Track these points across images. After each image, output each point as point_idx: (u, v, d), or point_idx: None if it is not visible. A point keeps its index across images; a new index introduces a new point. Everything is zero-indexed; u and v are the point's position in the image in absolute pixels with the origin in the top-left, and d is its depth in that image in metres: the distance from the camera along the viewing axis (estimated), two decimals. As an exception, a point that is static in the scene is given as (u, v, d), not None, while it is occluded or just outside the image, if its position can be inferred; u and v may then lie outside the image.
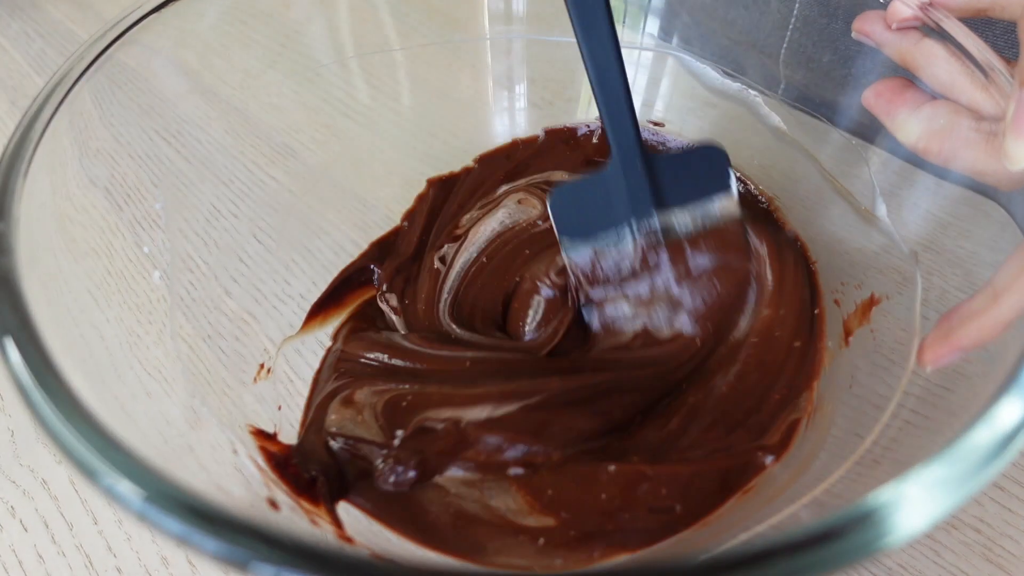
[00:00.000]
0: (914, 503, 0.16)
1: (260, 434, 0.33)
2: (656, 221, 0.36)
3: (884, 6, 0.32)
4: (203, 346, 0.35)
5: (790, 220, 0.42)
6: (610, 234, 0.37)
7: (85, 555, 0.34)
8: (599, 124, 0.47)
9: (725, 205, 0.37)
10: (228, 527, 0.16)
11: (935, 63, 0.30)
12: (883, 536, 0.16)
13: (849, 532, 0.15)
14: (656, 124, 0.47)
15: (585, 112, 0.49)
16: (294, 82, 0.43)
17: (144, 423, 0.26)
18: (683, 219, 0.37)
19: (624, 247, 0.37)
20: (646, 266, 0.37)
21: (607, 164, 0.36)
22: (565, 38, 0.47)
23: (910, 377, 0.29)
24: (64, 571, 0.33)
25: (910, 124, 0.31)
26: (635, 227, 0.37)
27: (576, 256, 0.37)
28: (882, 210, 0.36)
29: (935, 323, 0.29)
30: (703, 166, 0.36)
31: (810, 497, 0.27)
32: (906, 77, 0.32)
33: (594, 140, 0.48)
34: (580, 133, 0.49)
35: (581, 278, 0.38)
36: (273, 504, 0.28)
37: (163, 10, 0.34)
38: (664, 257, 0.37)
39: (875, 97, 0.32)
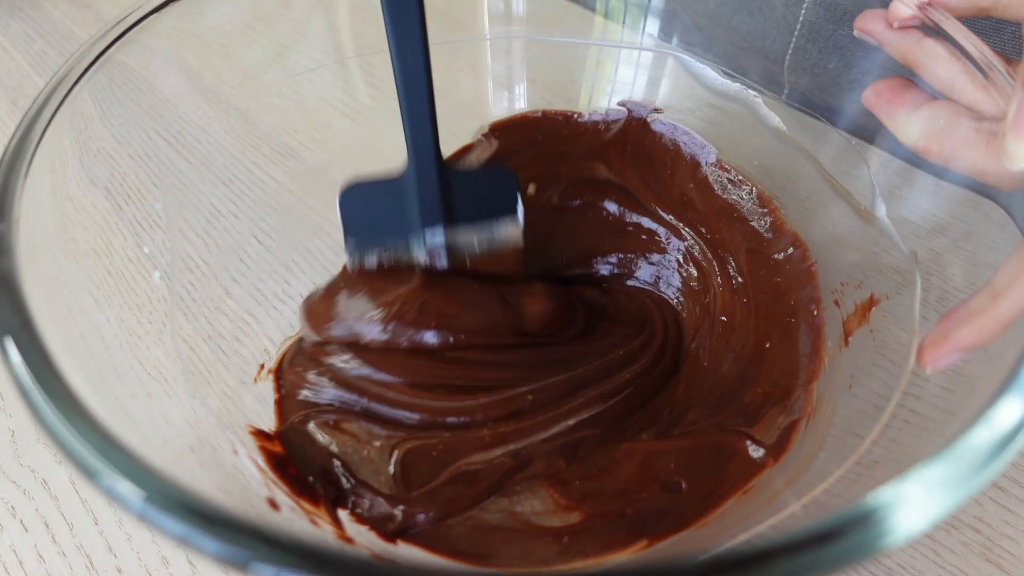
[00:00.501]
0: (914, 503, 0.16)
1: (260, 434, 0.33)
2: (442, 235, 0.36)
3: (887, 6, 0.32)
4: (203, 346, 0.35)
5: (790, 220, 0.42)
6: (397, 243, 0.36)
7: (85, 555, 0.34)
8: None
9: (510, 231, 0.37)
10: (228, 527, 0.16)
11: (936, 63, 0.30)
12: (883, 536, 0.16)
13: (849, 532, 0.15)
14: (657, 110, 0.47)
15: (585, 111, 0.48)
16: (294, 82, 0.43)
17: (144, 423, 0.26)
18: (468, 238, 0.37)
19: (407, 256, 0.37)
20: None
21: (403, 169, 0.35)
22: (565, 38, 0.48)
23: (910, 377, 0.29)
24: (64, 571, 0.33)
25: (910, 124, 0.31)
26: (422, 242, 0.36)
27: (357, 259, 0.37)
28: (882, 210, 0.36)
29: (935, 323, 0.29)
30: (495, 187, 0.37)
31: (810, 497, 0.27)
32: (906, 77, 0.32)
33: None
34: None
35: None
36: (273, 504, 0.28)
37: (163, 10, 0.34)
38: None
39: (875, 96, 0.32)
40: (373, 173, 0.36)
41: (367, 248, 0.37)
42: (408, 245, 0.36)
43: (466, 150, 0.46)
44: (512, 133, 0.46)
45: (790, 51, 0.43)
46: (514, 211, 0.37)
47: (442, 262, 0.37)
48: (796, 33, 0.43)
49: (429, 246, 0.36)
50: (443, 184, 0.35)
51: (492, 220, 0.37)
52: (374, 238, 0.36)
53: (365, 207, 0.36)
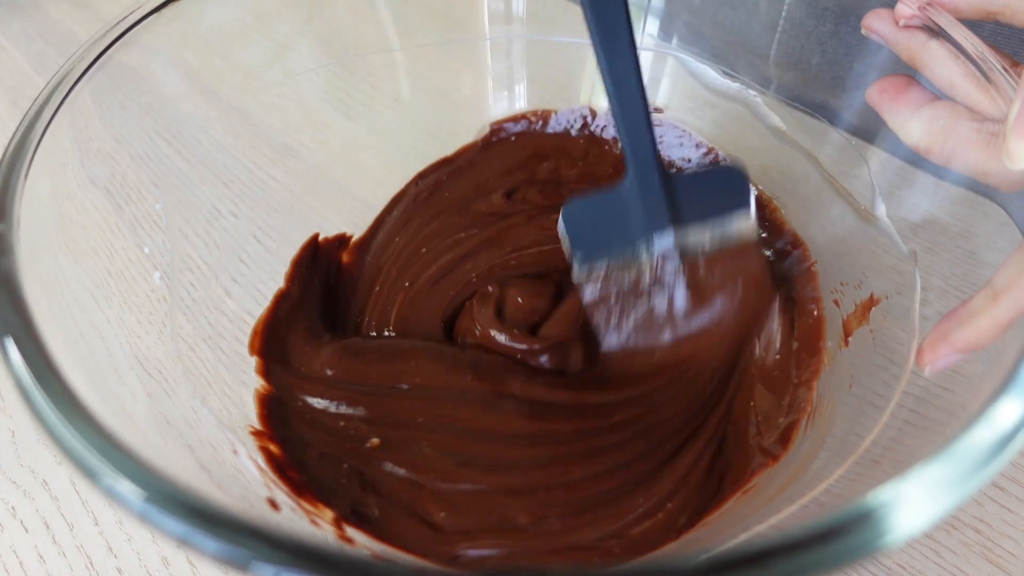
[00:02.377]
0: (913, 503, 0.16)
1: (260, 434, 0.33)
2: (672, 241, 0.35)
3: (881, 4, 0.32)
4: (203, 346, 0.35)
5: (790, 220, 0.42)
6: (625, 252, 0.36)
7: (86, 556, 0.34)
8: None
9: (743, 224, 0.36)
10: (228, 527, 0.16)
11: (938, 63, 0.30)
12: (882, 536, 0.16)
13: (848, 532, 0.15)
14: (657, 110, 0.47)
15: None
16: (294, 82, 0.43)
17: (144, 423, 0.26)
18: (700, 239, 0.36)
19: (638, 266, 0.36)
20: (660, 286, 0.36)
21: (623, 180, 0.35)
22: (565, 38, 0.48)
23: (910, 377, 0.29)
24: (65, 572, 0.33)
25: (912, 123, 0.31)
26: (650, 247, 0.35)
27: (587, 272, 0.36)
28: (882, 210, 0.36)
29: (934, 324, 0.29)
30: (722, 186, 0.35)
31: (810, 497, 0.27)
32: (909, 75, 0.32)
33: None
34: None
35: (591, 299, 0.37)
36: (273, 504, 0.28)
37: (163, 10, 0.34)
38: (679, 279, 0.36)
39: (879, 94, 0.32)
40: (594, 191, 0.36)
41: (594, 259, 0.36)
42: (636, 252, 0.36)
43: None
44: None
45: (774, 46, 0.43)
46: (746, 203, 0.35)
47: (673, 266, 0.36)
48: (779, 29, 0.43)
49: (659, 250, 0.35)
50: (666, 186, 0.34)
51: (722, 216, 0.35)
52: (600, 249, 0.36)
53: (588, 221, 0.36)
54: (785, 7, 0.42)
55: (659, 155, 0.34)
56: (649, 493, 0.32)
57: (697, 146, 0.46)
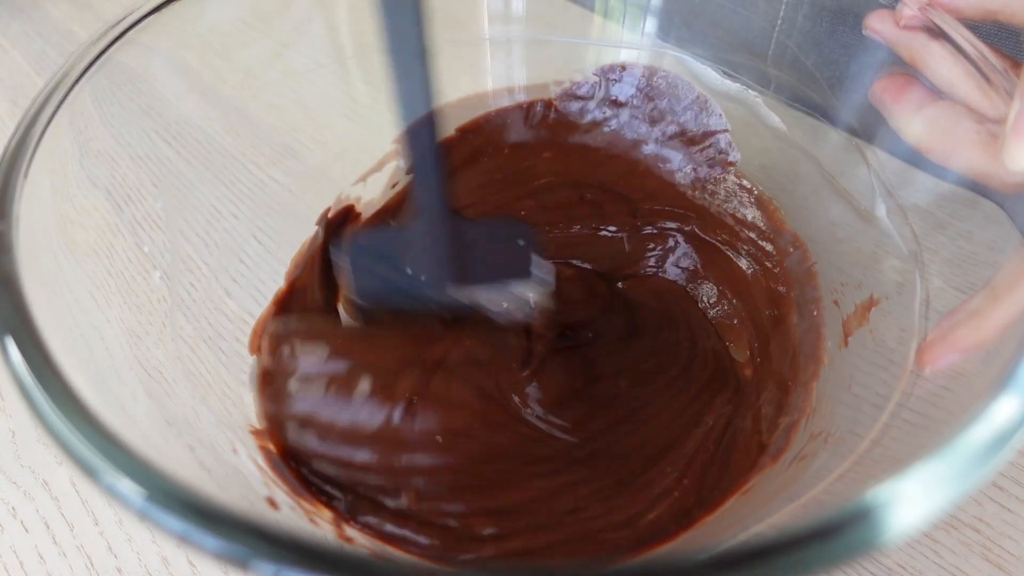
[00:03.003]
0: (911, 500, 0.16)
1: (260, 434, 0.33)
2: (457, 295, 0.33)
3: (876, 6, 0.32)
4: (203, 346, 0.35)
5: (789, 220, 0.42)
6: (408, 300, 0.34)
7: (86, 556, 0.34)
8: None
9: (532, 294, 0.33)
10: (228, 525, 0.16)
11: (940, 63, 0.31)
12: (880, 533, 0.16)
13: (846, 529, 0.15)
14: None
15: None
16: (294, 82, 0.43)
17: (145, 423, 0.26)
18: (488, 299, 0.34)
19: (419, 315, 0.34)
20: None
21: (409, 223, 0.33)
22: (566, 39, 0.47)
23: (909, 377, 0.29)
24: (65, 572, 0.33)
25: (914, 122, 0.31)
26: (433, 298, 0.33)
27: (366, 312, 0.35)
28: (882, 210, 0.36)
29: (935, 324, 0.29)
30: (510, 243, 0.33)
31: (810, 496, 0.27)
32: (912, 74, 0.32)
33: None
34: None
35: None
36: (273, 504, 0.28)
37: (163, 10, 0.34)
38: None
39: (882, 91, 0.33)
40: (380, 227, 0.35)
41: (379, 303, 0.35)
42: (422, 303, 0.34)
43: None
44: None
45: (772, 46, 0.43)
46: (527, 274, 0.33)
47: (462, 318, 0.34)
48: (777, 28, 0.43)
49: (445, 306, 0.33)
50: (453, 238, 0.32)
51: (510, 281, 0.33)
52: (386, 294, 0.34)
53: (372, 262, 0.34)
54: (783, 7, 0.42)
55: (447, 200, 0.32)
56: (652, 486, 0.32)
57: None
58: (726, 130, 0.42)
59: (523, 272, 0.33)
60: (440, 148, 0.30)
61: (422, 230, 0.32)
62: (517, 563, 0.31)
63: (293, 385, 0.32)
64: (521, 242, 0.33)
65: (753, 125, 0.44)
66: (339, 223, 0.43)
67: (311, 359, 0.32)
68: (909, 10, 0.31)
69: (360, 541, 0.29)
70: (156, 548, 0.34)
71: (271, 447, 0.32)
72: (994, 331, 0.25)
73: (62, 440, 0.19)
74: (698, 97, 0.43)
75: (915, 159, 0.34)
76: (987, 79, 0.29)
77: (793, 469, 0.31)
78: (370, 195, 0.46)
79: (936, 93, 0.31)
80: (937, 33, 0.31)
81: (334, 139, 0.46)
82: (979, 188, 0.31)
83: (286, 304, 0.38)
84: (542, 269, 0.33)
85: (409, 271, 0.33)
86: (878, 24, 0.33)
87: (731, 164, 0.43)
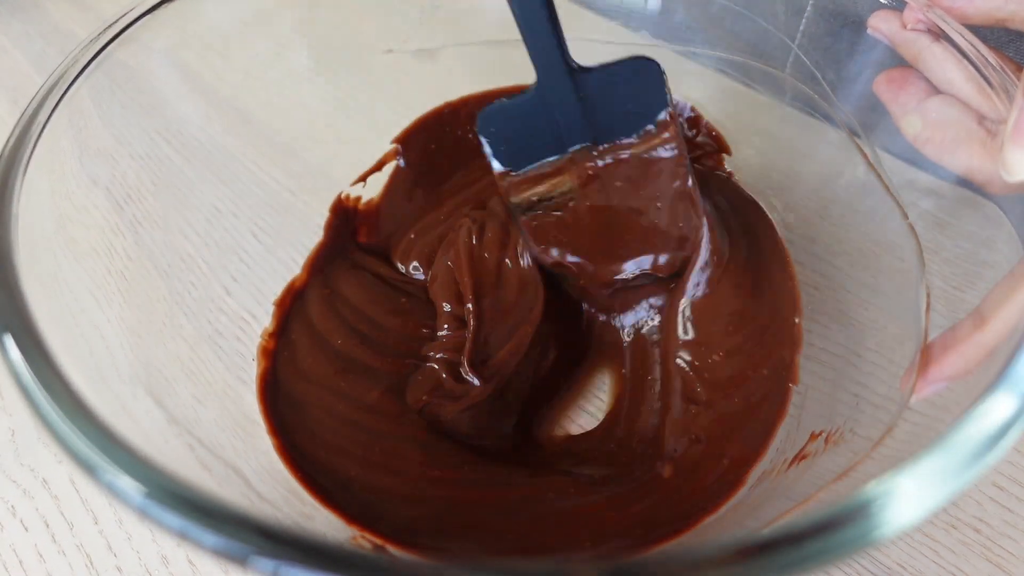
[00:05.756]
0: (908, 497, 0.16)
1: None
2: (591, 143, 0.34)
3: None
4: (203, 346, 0.35)
5: (789, 220, 0.42)
6: (545, 159, 0.35)
7: (85, 554, 0.34)
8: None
9: (663, 124, 0.34)
10: (227, 522, 0.16)
11: (942, 65, 0.31)
12: (877, 529, 0.16)
13: (844, 525, 0.16)
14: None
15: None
16: (294, 82, 0.43)
17: (145, 422, 0.26)
18: (620, 143, 0.34)
19: (561, 175, 0.35)
20: (588, 195, 0.36)
21: (532, 85, 0.33)
22: (568, 41, 0.47)
23: (908, 377, 0.29)
24: (64, 570, 0.33)
25: (914, 115, 0.31)
26: (570, 150, 0.34)
27: (512, 182, 0.36)
28: (881, 210, 0.36)
29: (934, 326, 0.29)
30: (637, 83, 0.33)
31: (809, 496, 0.27)
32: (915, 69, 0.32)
33: None
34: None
35: (525, 223, 0.37)
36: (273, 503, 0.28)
37: (162, 8, 0.34)
38: (606, 186, 0.35)
39: (887, 83, 0.33)
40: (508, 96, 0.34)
41: (517, 168, 0.35)
42: (558, 159, 0.35)
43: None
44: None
45: (790, 60, 0.43)
46: (664, 104, 0.33)
47: (597, 167, 0.35)
48: (796, 43, 0.43)
49: (581, 155, 0.34)
50: (578, 91, 0.32)
51: (643, 117, 0.33)
52: (521, 158, 0.35)
53: (505, 131, 0.34)
54: (803, 21, 0.42)
55: (567, 53, 0.32)
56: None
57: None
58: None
59: (659, 106, 0.33)
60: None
61: (549, 94, 0.32)
62: (518, 562, 0.31)
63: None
64: (650, 78, 0.33)
65: (753, 125, 0.44)
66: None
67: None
68: (913, 12, 0.31)
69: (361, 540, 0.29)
70: (156, 547, 0.34)
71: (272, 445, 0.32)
72: (980, 356, 0.25)
73: (62, 438, 0.19)
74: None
75: (915, 159, 0.34)
76: (987, 81, 0.29)
77: (793, 469, 0.31)
78: (370, 195, 0.46)
79: (937, 90, 0.31)
80: (939, 35, 0.31)
81: (334, 139, 0.46)
82: (979, 188, 0.31)
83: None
84: (669, 99, 0.33)
85: (544, 132, 0.34)
86: (882, 24, 0.33)
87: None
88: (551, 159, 0.35)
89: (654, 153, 0.35)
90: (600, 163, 0.35)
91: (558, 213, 0.37)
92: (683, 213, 0.36)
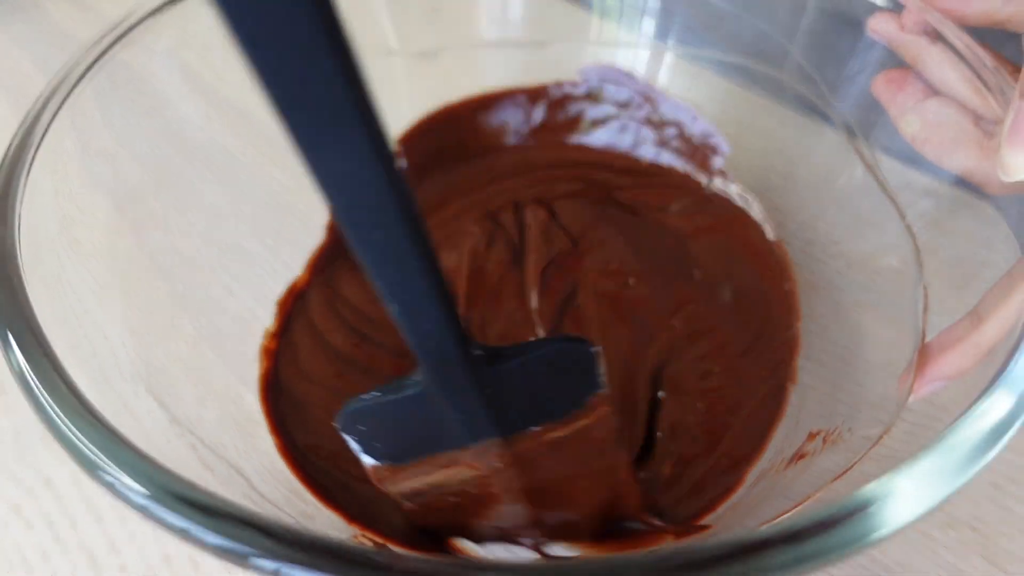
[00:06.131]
0: (906, 496, 0.16)
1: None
2: (497, 437, 0.25)
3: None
4: (205, 346, 0.35)
5: (788, 220, 0.42)
6: (437, 452, 0.26)
7: (88, 553, 0.34)
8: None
9: (591, 405, 0.26)
10: (230, 521, 0.16)
11: (940, 68, 0.31)
12: (875, 528, 0.16)
13: (842, 524, 0.16)
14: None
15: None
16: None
17: (147, 422, 0.26)
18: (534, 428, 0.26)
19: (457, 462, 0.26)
20: (492, 482, 0.27)
21: (413, 378, 0.24)
22: (564, 43, 0.48)
23: (906, 376, 0.29)
24: (68, 569, 0.34)
25: (912, 115, 0.31)
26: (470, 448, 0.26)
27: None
28: (880, 211, 0.36)
29: (931, 327, 0.29)
30: (562, 368, 0.25)
31: (808, 496, 0.27)
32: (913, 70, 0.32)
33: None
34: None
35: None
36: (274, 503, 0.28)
37: (164, 10, 0.34)
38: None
39: (885, 83, 0.33)
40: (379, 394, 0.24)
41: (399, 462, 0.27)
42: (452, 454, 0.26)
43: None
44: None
45: (789, 56, 0.43)
46: (595, 389, 0.25)
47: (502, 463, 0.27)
48: (796, 39, 0.43)
49: (481, 452, 0.26)
50: (484, 390, 0.23)
51: (564, 408, 0.25)
52: (405, 455, 0.26)
53: (381, 429, 0.25)
54: (803, 20, 0.43)
55: (461, 337, 0.21)
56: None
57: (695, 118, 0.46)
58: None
59: (589, 392, 0.26)
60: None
61: (438, 391, 0.23)
62: (518, 562, 0.31)
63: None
64: (580, 362, 0.25)
65: (751, 125, 0.44)
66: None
67: None
68: (911, 14, 0.32)
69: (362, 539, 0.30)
70: (158, 546, 0.34)
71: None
72: (977, 357, 0.25)
73: (64, 438, 0.19)
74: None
75: (914, 159, 0.34)
76: (984, 82, 0.29)
77: (791, 469, 0.31)
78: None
79: (935, 90, 0.31)
80: (936, 36, 0.31)
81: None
82: (977, 189, 0.31)
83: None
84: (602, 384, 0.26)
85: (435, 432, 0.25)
86: (880, 26, 0.33)
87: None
88: (444, 452, 0.26)
89: (579, 431, 0.26)
90: (507, 451, 0.26)
91: (453, 499, 0.28)
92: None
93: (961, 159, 0.30)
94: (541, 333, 0.38)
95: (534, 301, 0.39)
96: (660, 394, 0.37)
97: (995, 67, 0.29)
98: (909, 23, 0.32)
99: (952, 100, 0.30)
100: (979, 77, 0.29)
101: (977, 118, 0.29)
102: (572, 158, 0.48)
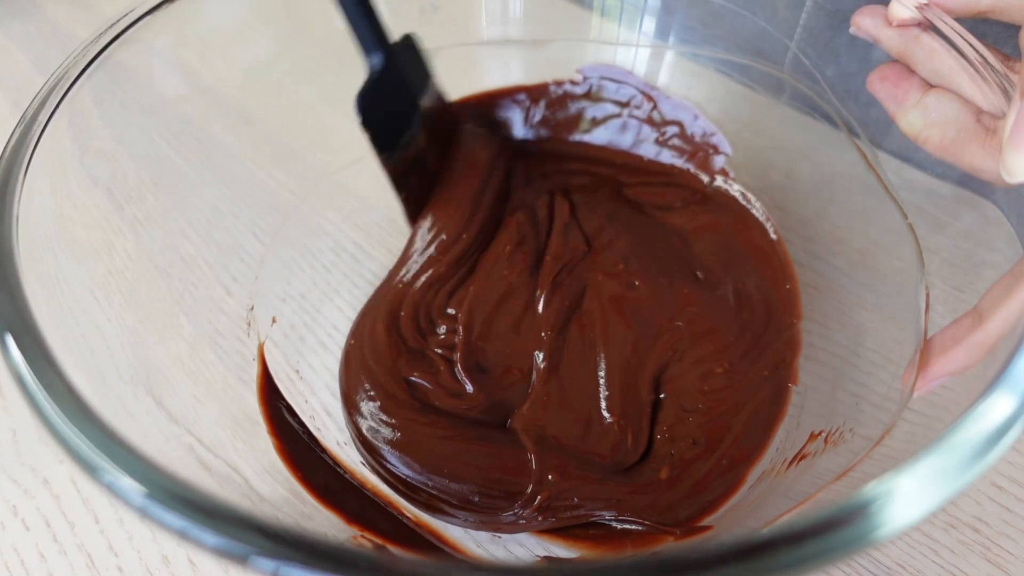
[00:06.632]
0: (907, 496, 0.16)
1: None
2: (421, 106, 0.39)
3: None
4: (203, 346, 0.35)
5: (789, 220, 0.42)
6: (408, 129, 0.39)
7: (87, 554, 0.34)
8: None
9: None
10: (228, 522, 0.16)
11: (932, 59, 0.31)
12: (877, 529, 0.16)
13: (843, 525, 0.16)
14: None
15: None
16: (294, 82, 0.43)
17: (145, 422, 0.26)
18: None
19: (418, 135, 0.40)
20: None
21: (372, 65, 0.37)
22: (564, 40, 0.48)
23: (907, 377, 0.29)
24: (66, 570, 0.33)
25: (913, 113, 0.31)
26: (419, 115, 0.39)
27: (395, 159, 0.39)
28: (881, 210, 0.36)
29: (933, 325, 0.29)
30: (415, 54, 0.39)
31: (809, 496, 0.27)
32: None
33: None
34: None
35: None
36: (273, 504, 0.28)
37: (162, 9, 0.34)
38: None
39: (880, 81, 0.32)
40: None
41: (395, 146, 0.39)
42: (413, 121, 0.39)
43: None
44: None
45: (789, 55, 0.43)
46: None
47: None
48: (796, 37, 0.43)
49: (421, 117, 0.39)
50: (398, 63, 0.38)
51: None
52: (394, 137, 0.38)
53: (378, 110, 0.37)
54: (803, 15, 0.42)
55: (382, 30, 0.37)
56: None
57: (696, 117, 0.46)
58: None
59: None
60: None
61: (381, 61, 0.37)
62: (518, 562, 0.31)
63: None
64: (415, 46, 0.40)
65: (752, 125, 0.44)
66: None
67: None
68: (905, 10, 0.31)
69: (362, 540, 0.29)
70: (157, 547, 0.34)
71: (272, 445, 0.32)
72: (979, 354, 0.25)
73: (63, 438, 0.19)
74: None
75: (915, 159, 0.34)
76: (979, 73, 0.29)
77: (793, 469, 0.31)
78: (369, 194, 0.46)
79: (931, 83, 0.31)
80: (927, 27, 0.31)
81: (334, 139, 0.46)
82: (978, 188, 0.31)
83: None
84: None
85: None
86: (866, 21, 0.33)
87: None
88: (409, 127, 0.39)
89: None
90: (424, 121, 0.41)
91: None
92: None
93: (966, 158, 0.29)
94: (546, 337, 0.38)
95: (541, 306, 0.39)
96: (662, 395, 0.37)
97: (989, 55, 0.29)
98: (897, 18, 0.31)
99: (952, 94, 0.30)
100: (971, 65, 0.29)
101: (978, 111, 0.29)
102: (576, 153, 0.48)
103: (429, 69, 0.41)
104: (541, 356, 0.37)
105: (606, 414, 0.35)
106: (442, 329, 0.39)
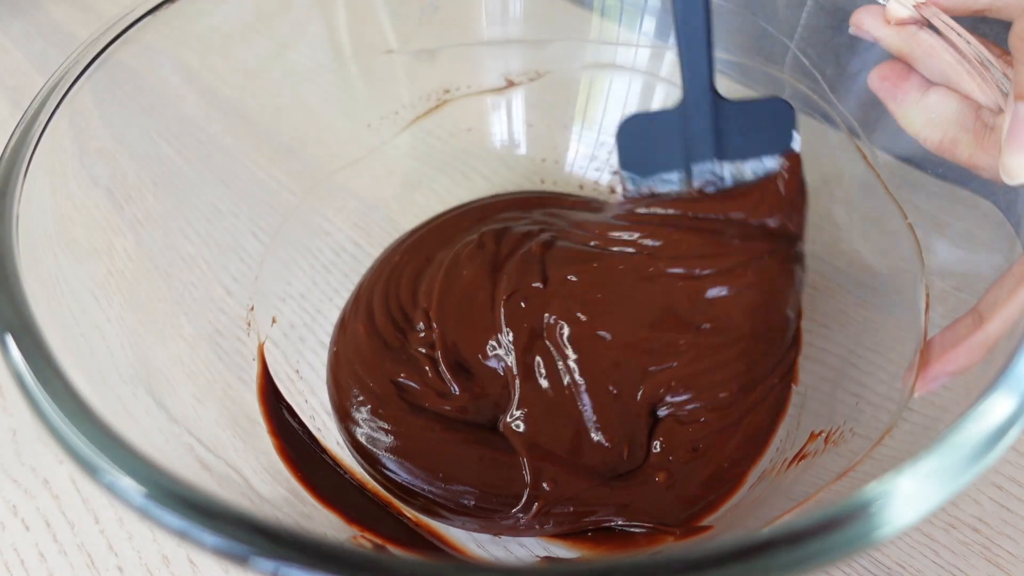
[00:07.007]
0: (907, 496, 0.16)
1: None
2: (712, 167, 0.37)
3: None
4: (203, 346, 0.35)
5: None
6: (669, 174, 0.38)
7: (87, 554, 0.34)
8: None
9: (782, 164, 0.37)
10: (228, 522, 0.16)
11: (930, 56, 0.31)
12: (877, 529, 0.16)
13: (843, 525, 0.16)
14: None
15: (582, 112, 0.49)
16: (294, 82, 0.43)
17: (145, 422, 0.26)
18: (739, 170, 0.37)
19: (679, 187, 0.38)
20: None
21: (678, 103, 0.36)
22: (564, 40, 0.48)
23: (907, 377, 0.29)
24: (66, 570, 0.33)
25: (914, 111, 0.31)
26: (692, 170, 0.37)
27: (633, 189, 0.39)
28: (881, 211, 0.36)
29: (933, 326, 0.29)
30: (768, 120, 0.36)
31: (809, 496, 0.27)
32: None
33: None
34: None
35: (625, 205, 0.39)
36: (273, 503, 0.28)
37: (163, 9, 0.34)
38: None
39: (880, 80, 0.33)
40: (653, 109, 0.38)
41: (640, 179, 0.38)
42: (679, 175, 0.38)
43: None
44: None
45: (789, 54, 0.43)
46: (787, 145, 0.36)
47: (710, 188, 0.38)
48: (797, 37, 0.43)
49: (698, 177, 0.37)
50: (715, 117, 0.35)
51: (764, 154, 0.37)
52: (647, 169, 0.38)
53: (640, 139, 0.37)
54: (803, 15, 0.42)
55: (713, 82, 0.35)
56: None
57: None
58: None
59: (783, 145, 0.36)
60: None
61: (688, 108, 0.36)
62: (517, 562, 0.31)
63: None
64: (781, 118, 0.36)
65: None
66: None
67: None
68: (903, 10, 0.31)
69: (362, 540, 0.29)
70: (157, 546, 0.34)
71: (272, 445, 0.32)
72: (980, 354, 0.25)
73: (62, 438, 0.19)
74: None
75: (915, 159, 0.34)
76: (977, 70, 0.29)
77: (793, 469, 0.31)
78: (369, 194, 0.46)
79: (932, 81, 0.31)
80: (925, 25, 0.31)
81: (334, 139, 0.46)
82: (978, 188, 0.31)
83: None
84: (797, 141, 0.36)
85: (672, 149, 0.37)
86: (865, 21, 0.33)
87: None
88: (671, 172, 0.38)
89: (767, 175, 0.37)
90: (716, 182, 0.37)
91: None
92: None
93: (966, 154, 0.29)
94: (514, 345, 0.37)
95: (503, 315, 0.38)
96: (662, 395, 0.36)
97: (987, 52, 0.29)
98: (895, 18, 0.31)
99: (953, 93, 0.30)
100: (970, 62, 0.29)
101: (978, 108, 0.29)
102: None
103: (781, 145, 0.36)
104: (512, 359, 0.36)
105: (598, 436, 0.34)
106: (420, 326, 0.39)
